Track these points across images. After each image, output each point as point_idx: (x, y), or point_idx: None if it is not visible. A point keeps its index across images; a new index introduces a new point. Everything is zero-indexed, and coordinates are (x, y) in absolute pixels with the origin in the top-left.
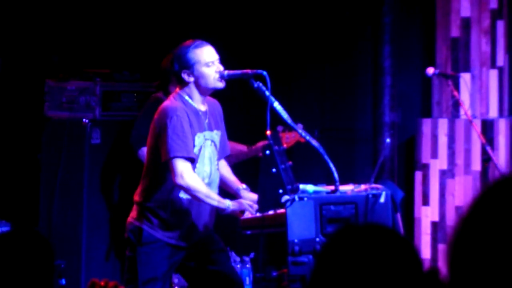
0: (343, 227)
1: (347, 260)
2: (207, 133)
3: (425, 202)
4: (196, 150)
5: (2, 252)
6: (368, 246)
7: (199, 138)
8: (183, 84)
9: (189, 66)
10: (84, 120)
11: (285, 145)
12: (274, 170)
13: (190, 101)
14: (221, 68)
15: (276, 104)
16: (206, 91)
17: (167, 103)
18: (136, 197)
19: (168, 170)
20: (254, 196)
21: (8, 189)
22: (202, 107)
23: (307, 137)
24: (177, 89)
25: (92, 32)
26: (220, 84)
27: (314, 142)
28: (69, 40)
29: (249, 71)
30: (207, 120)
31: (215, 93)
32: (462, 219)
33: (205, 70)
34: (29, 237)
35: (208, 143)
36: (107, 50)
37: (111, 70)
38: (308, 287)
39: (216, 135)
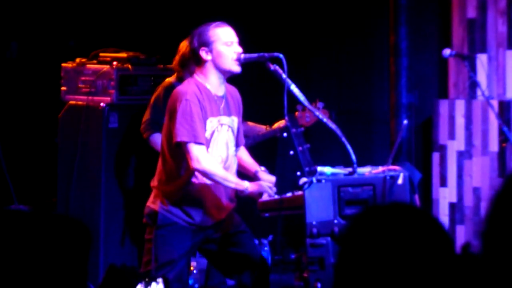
0: (366, 208)
1: (375, 241)
2: (223, 118)
3: (443, 183)
4: (207, 134)
5: (36, 235)
6: (395, 225)
7: (211, 123)
8: (200, 63)
9: (208, 44)
10: (101, 104)
11: (306, 124)
12: (291, 152)
13: (205, 84)
14: (239, 50)
15: (293, 87)
16: (222, 73)
17: (180, 87)
18: (152, 182)
19: (180, 155)
20: (273, 178)
21: (26, 173)
22: (219, 92)
23: (324, 119)
24: (194, 72)
25: (108, 16)
26: (237, 68)
27: (331, 124)
28: (86, 24)
29: (265, 54)
30: (223, 105)
31: (233, 77)
32: (497, 194)
33: (224, 49)
34: (64, 219)
35: (224, 128)
36: (123, 34)
37: (128, 54)
38: (336, 271)
39: (234, 121)
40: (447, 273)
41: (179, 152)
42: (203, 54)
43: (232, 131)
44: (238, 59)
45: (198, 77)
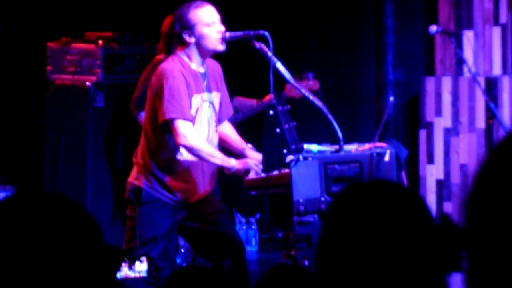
0: (349, 186)
1: (357, 218)
2: (205, 95)
3: (430, 160)
4: (192, 111)
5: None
6: (377, 202)
7: (195, 100)
8: (184, 45)
9: (190, 27)
10: (87, 83)
11: (297, 96)
12: (278, 130)
13: (188, 62)
14: (222, 28)
15: (279, 65)
16: (206, 53)
17: (164, 64)
18: (135, 158)
19: (165, 132)
20: (260, 156)
21: (12, 153)
22: (201, 69)
23: (311, 97)
24: (177, 50)
25: None
26: (221, 47)
27: (318, 102)
28: (71, 4)
29: (250, 32)
30: (205, 82)
31: (222, 54)
32: (479, 171)
33: (206, 30)
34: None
35: (206, 104)
36: (109, 13)
37: (114, 33)
38: (318, 250)
39: (215, 97)
40: (428, 248)
41: (164, 129)
42: (186, 37)
43: (213, 107)
44: (223, 37)
45: (181, 54)
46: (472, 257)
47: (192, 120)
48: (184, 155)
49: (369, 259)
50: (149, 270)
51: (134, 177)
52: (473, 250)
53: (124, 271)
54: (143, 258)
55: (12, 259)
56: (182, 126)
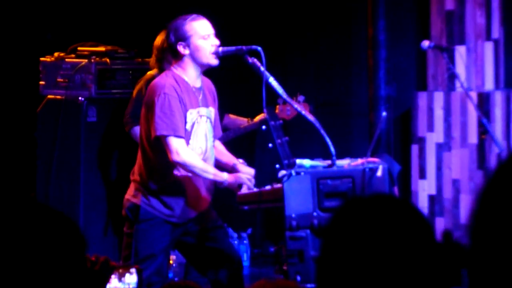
0: (348, 200)
1: (357, 233)
2: (202, 110)
3: (422, 175)
4: (188, 126)
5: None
6: (377, 217)
7: (191, 115)
8: (178, 57)
9: (185, 38)
10: (79, 98)
11: (287, 117)
12: (270, 145)
13: (183, 76)
14: (217, 42)
15: (271, 80)
16: (200, 66)
17: (157, 80)
18: (132, 176)
19: (160, 148)
20: (252, 170)
21: (5, 167)
22: (197, 83)
23: (303, 112)
24: (171, 65)
25: (86, 9)
26: (215, 61)
27: (310, 117)
28: (63, 18)
29: (243, 47)
30: (201, 96)
31: (214, 69)
32: (483, 189)
33: (201, 43)
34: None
35: (203, 119)
36: (101, 28)
37: (106, 47)
38: (318, 266)
39: (212, 112)
40: (430, 262)
41: (160, 146)
42: (181, 48)
43: (211, 122)
44: (216, 52)
45: (175, 69)
46: (475, 274)
47: (186, 135)
48: (181, 170)
49: (370, 274)
50: (139, 283)
51: (131, 195)
52: (476, 268)
53: (114, 284)
54: (133, 270)
55: None
56: (174, 143)
